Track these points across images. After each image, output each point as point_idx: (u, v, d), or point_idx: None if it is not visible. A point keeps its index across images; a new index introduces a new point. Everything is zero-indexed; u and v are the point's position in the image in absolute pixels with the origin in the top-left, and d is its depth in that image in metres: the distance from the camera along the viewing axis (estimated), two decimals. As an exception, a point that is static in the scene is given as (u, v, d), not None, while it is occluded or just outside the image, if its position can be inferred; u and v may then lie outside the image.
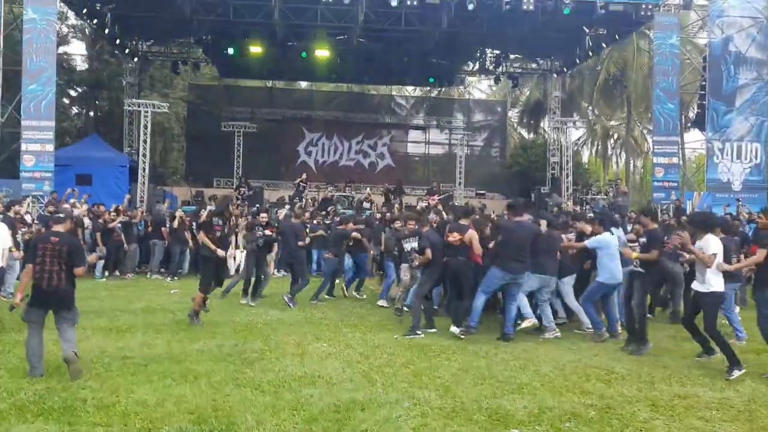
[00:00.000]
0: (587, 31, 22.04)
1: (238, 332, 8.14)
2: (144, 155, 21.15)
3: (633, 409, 5.36)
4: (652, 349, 7.47)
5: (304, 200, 21.15)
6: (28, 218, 12.99)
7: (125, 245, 14.43)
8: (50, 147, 17.58)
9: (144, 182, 20.92)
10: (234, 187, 22.23)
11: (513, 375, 6.36)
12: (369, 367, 6.46)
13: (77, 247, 6.15)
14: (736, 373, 6.40)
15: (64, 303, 5.93)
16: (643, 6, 18.72)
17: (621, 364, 6.92)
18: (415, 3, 17.84)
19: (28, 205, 15.21)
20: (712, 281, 6.59)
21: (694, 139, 31.31)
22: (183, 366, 6.28)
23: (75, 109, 31.86)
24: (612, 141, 40.04)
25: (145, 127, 21.09)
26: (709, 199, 18.51)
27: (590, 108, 34.39)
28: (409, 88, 36.13)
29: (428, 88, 32.81)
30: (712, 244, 6.64)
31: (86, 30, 27.57)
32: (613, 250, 8.10)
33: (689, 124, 26.59)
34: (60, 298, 5.90)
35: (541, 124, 33.51)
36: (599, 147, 40.30)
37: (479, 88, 38.32)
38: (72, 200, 15.60)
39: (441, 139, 29.92)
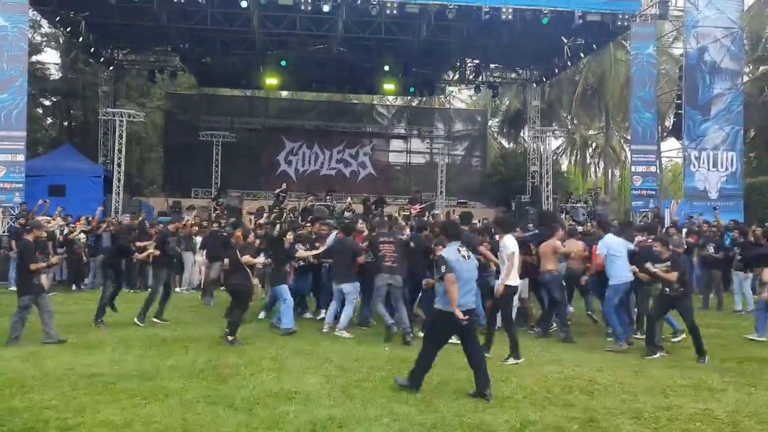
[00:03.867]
0: (565, 41, 22.19)
1: (213, 347, 7.90)
2: (119, 165, 20.80)
3: (617, 422, 5.26)
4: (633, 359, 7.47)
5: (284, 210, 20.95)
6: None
7: (85, 258, 14.18)
8: (21, 157, 17.15)
9: (119, 193, 20.56)
10: (212, 197, 21.91)
11: (495, 388, 6.21)
12: (348, 382, 6.28)
13: None
14: (511, 361, 7.24)
15: None
16: (620, 16, 18.87)
17: (604, 375, 6.82)
18: (394, 12, 17.75)
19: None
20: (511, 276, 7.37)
21: (671, 147, 31.70)
22: (153, 383, 6.05)
23: (50, 119, 31.36)
24: (591, 150, 40.40)
25: (120, 136, 20.76)
26: (687, 207, 18.62)
27: (569, 117, 34.64)
28: (391, 98, 36.12)
29: (409, 97, 32.83)
30: (509, 244, 7.45)
31: (60, 38, 27.12)
32: (615, 250, 8.35)
33: (666, 133, 26.86)
34: None
35: (521, 134, 33.66)
36: (578, 156, 40.64)
37: (459, 97, 38.42)
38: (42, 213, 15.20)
39: (422, 148, 29.89)
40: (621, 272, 8.30)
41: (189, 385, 6.04)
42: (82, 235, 14.40)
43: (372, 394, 5.84)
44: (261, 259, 8.94)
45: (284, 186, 21.80)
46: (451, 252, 6.02)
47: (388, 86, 24.81)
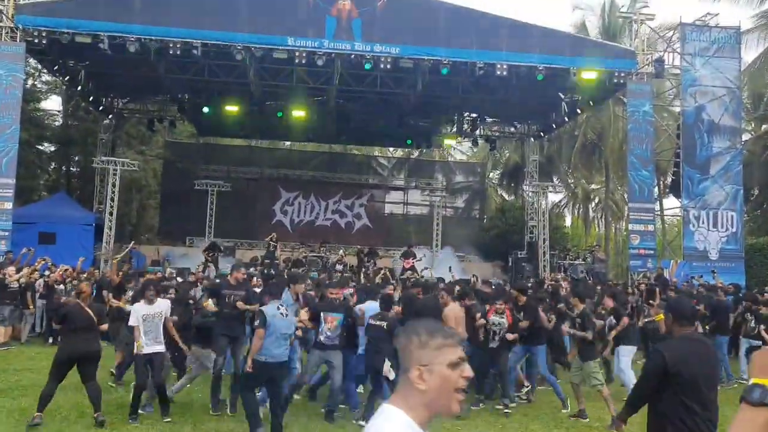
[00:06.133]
0: (562, 96, 22.18)
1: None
2: (111, 213, 20.62)
3: None
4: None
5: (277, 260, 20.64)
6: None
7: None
8: (9, 205, 17.00)
9: (109, 241, 20.31)
10: (204, 248, 21.62)
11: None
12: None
13: None
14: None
15: None
16: (616, 74, 18.86)
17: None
18: (388, 66, 17.81)
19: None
20: None
21: (673, 205, 31.32)
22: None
23: (53, 165, 31.50)
24: (593, 204, 40.09)
25: (113, 185, 20.65)
26: (686, 267, 18.15)
27: (569, 171, 34.48)
28: (390, 149, 36.23)
29: (409, 149, 32.90)
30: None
31: (62, 86, 27.44)
32: None
33: (667, 190, 26.55)
34: None
35: (521, 187, 33.48)
36: (581, 210, 40.31)
37: (460, 149, 38.47)
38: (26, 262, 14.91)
39: (420, 200, 29.70)
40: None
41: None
42: (61, 286, 14.02)
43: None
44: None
45: (273, 235, 21.53)
46: (271, 308, 6.65)
47: (385, 138, 24.76)
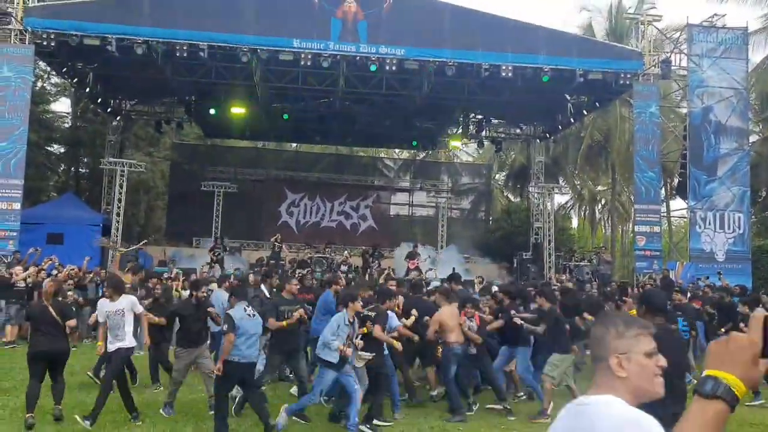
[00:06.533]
0: (568, 98, 22.13)
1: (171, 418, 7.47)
2: (118, 214, 20.77)
3: None
4: None
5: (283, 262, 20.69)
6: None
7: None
8: (17, 206, 17.14)
9: (116, 242, 20.44)
10: (209, 248, 21.72)
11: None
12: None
13: None
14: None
15: None
16: (622, 75, 18.79)
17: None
18: (393, 68, 17.84)
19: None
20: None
21: (680, 206, 31.18)
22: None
23: (62, 166, 31.72)
24: (599, 206, 39.96)
25: (121, 186, 20.80)
26: (692, 269, 18.08)
27: (575, 172, 34.40)
28: (396, 150, 36.25)
29: (415, 150, 32.91)
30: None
31: (71, 88, 27.65)
32: None
33: (674, 192, 26.45)
34: None
35: (527, 188, 33.42)
36: (587, 211, 40.19)
37: (466, 150, 38.44)
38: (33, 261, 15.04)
39: (426, 201, 29.71)
40: None
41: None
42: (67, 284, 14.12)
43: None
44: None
45: (278, 236, 21.62)
46: (238, 311, 6.73)
47: (391, 140, 24.79)
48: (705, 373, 1.27)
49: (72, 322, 7.38)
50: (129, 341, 7.35)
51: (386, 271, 15.90)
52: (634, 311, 8.10)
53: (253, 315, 6.87)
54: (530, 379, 8.46)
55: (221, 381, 6.72)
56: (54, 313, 7.05)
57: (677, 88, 24.38)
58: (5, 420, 7.12)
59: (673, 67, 19.58)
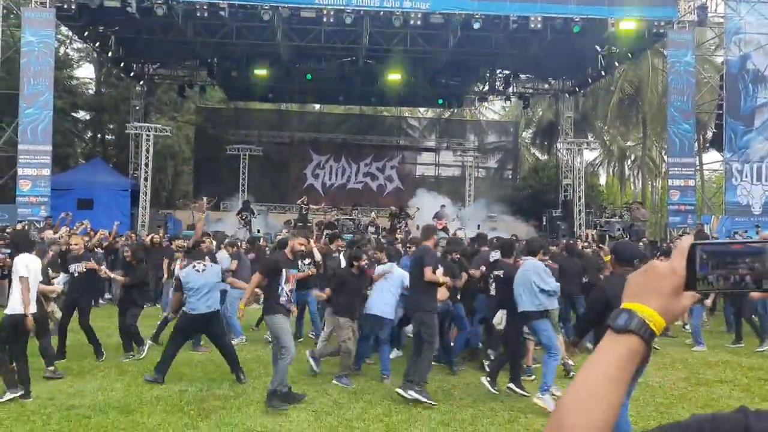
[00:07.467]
0: (599, 49, 21.44)
1: (208, 374, 7.53)
2: (146, 179, 20.85)
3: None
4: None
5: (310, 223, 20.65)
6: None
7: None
8: (46, 171, 17.30)
9: (145, 207, 20.59)
10: (237, 211, 21.74)
11: (500, 429, 5.68)
12: (338, 421, 5.81)
13: None
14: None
15: None
16: (656, 23, 18.10)
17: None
18: (418, 22, 17.37)
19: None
20: None
21: (713, 159, 30.32)
22: (130, 418, 5.69)
23: (89, 132, 31.92)
24: (629, 162, 39.12)
25: (147, 150, 20.82)
26: (728, 223, 17.63)
27: (605, 128, 33.60)
28: (421, 110, 35.73)
29: (440, 110, 32.38)
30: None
31: (93, 53, 27.60)
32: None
33: (707, 144, 25.72)
34: None
35: (555, 145, 32.80)
36: (616, 168, 39.39)
37: (492, 108, 37.74)
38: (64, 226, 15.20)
39: (452, 161, 29.31)
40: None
41: (168, 420, 5.65)
42: (99, 250, 14.24)
43: (362, 436, 5.36)
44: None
45: (304, 199, 21.54)
46: (188, 271, 7.32)
47: (416, 99, 24.32)
48: (621, 305, 1.08)
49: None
50: None
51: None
52: (608, 257, 7.89)
53: (203, 270, 7.26)
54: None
55: (179, 330, 7.27)
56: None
57: (712, 36, 23.48)
58: (39, 381, 7.19)
59: (708, 14, 18.78)
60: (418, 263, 6.66)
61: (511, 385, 6.74)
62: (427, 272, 6.43)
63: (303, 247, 7.30)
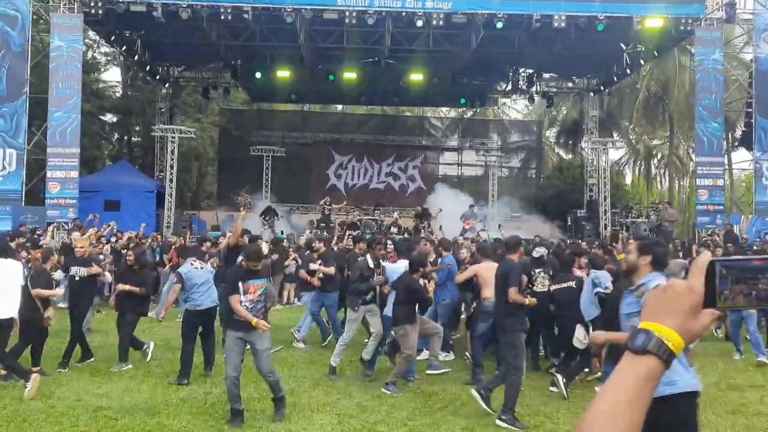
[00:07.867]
0: (624, 47, 21.15)
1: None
2: (171, 180, 21.09)
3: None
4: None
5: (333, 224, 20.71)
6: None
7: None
8: (75, 174, 17.58)
9: (171, 208, 20.83)
10: (260, 213, 21.89)
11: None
12: (362, 424, 5.80)
13: None
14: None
15: None
16: (683, 20, 17.76)
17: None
18: (441, 23, 17.30)
19: (53, 232, 15.07)
20: None
21: (742, 158, 29.72)
22: (157, 420, 5.75)
23: (116, 135, 32.42)
24: (656, 161, 38.55)
25: (172, 152, 21.06)
26: (758, 223, 17.26)
27: (631, 126, 33.15)
28: (444, 109, 35.61)
29: (462, 109, 32.23)
30: None
31: (120, 57, 28.02)
32: None
33: (736, 143, 25.22)
34: None
35: (580, 144, 32.44)
36: (642, 167, 38.83)
37: (515, 108, 37.49)
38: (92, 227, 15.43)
39: (475, 160, 29.14)
40: None
41: (193, 423, 5.71)
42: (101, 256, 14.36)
43: (385, 440, 5.34)
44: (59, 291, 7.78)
45: (327, 199, 21.62)
46: (186, 267, 7.57)
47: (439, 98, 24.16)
48: (639, 325, 1.05)
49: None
50: None
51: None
52: (622, 255, 7.76)
53: (201, 267, 7.64)
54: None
55: (185, 328, 7.48)
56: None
57: (740, 33, 23.01)
58: (63, 384, 7.31)
59: (737, 11, 18.40)
60: (503, 280, 6.10)
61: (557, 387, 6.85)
62: (512, 293, 5.94)
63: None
